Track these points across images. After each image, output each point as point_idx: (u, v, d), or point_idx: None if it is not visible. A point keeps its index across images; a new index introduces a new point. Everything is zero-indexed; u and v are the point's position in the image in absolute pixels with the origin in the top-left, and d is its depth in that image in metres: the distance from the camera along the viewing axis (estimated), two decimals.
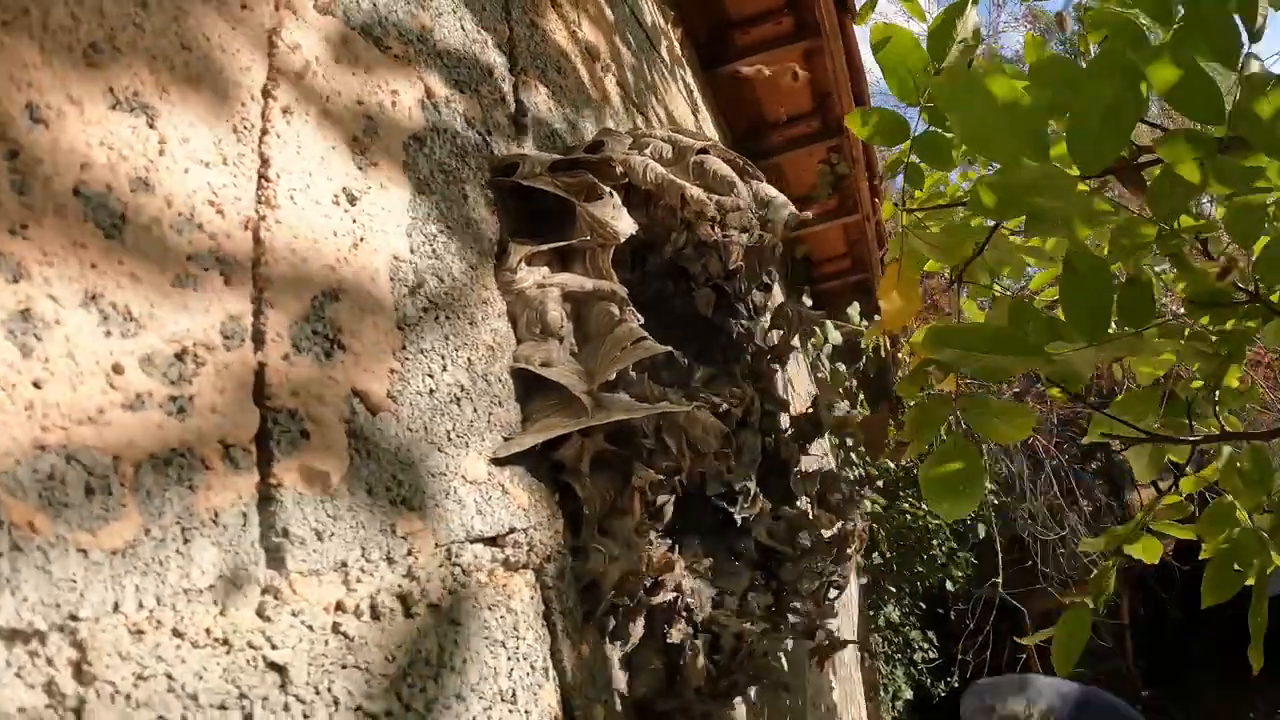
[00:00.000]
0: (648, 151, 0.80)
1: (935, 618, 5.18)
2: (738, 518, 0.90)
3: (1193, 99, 0.70)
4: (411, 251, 0.60)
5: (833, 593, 1.09)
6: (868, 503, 4.13)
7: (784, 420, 1.09)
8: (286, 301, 0.50)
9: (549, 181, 0.72)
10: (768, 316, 0.96)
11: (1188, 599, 4.77)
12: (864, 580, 4.35)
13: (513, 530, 0.66)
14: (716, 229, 0.79)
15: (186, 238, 0.45)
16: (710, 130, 2.18)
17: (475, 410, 0.64)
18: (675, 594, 0.80)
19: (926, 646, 4.82)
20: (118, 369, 0.40)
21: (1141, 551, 1.30)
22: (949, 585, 4.78)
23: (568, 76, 0.93)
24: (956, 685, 4.73)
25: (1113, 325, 0.92)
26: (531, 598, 0.67)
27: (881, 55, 0.97)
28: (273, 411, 0.48)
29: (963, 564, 4.78)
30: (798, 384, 3.13)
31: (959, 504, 0.93)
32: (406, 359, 0.58)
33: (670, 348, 0.76)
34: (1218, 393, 1.21)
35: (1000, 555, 4.47)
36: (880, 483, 4.39)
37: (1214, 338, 1.15)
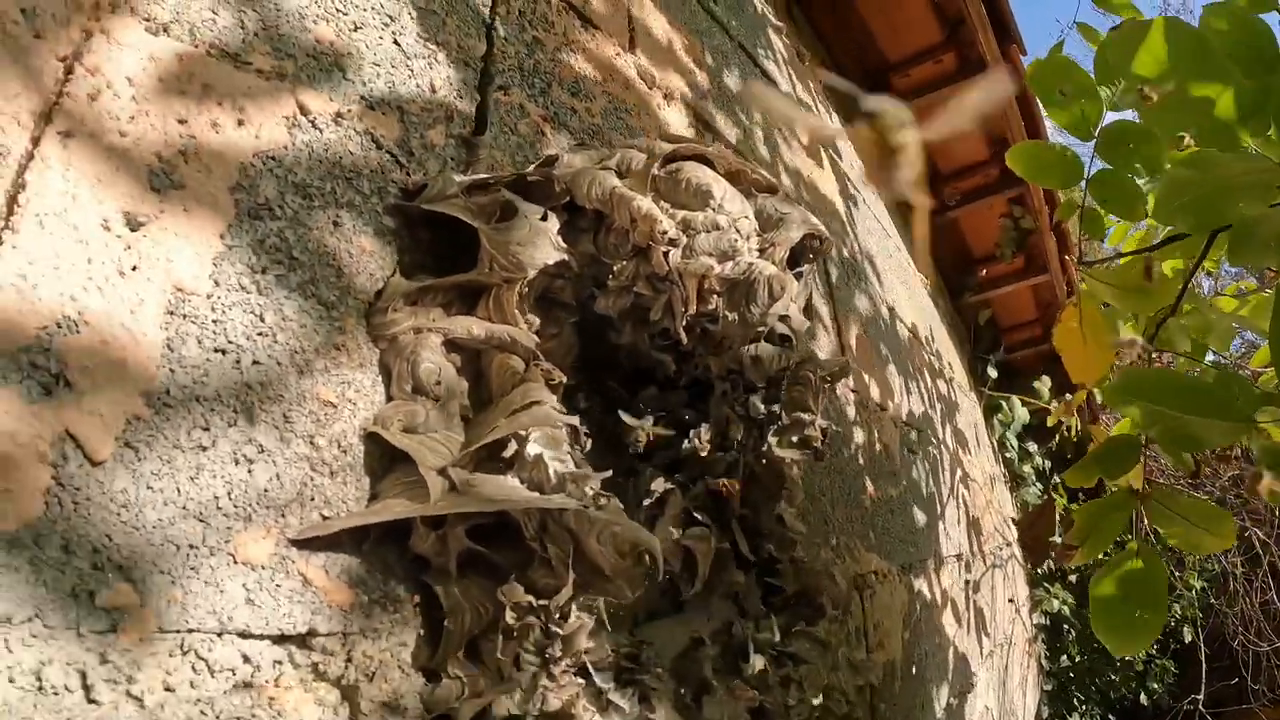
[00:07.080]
0: (612, 163, 0.57)
1: None
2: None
3: None
4: (216, 284, 0.49)
5: None
6: (1055, 601, 3.43)
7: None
8: (2, 331, 0.42)
9: (455, 204, 0.54)
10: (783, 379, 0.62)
11: None
12: (1048, 686, 3.57)
13: (313, 633, 0.50)
14: (675, 255, 0.52)
15: None
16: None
17: (278, 478, 0.50)
18: None
19: None
20: None
21: None
22: (1144, 697, 3.85)
23: (593, 102, 0.73)
24: None
25: None
26: None
27: (1036, 82, 0.77)
28: None
29: (1162, 673, 3.87)
30: (976, 468, 2.36)
31: (1132, 637, 0.72)
32: (167, 405, 0.46)
33: (575, 420, 0.51)
34: None
35: (1205, 665, 3.60)
36: (1073, 577, 3.50)
37: None
